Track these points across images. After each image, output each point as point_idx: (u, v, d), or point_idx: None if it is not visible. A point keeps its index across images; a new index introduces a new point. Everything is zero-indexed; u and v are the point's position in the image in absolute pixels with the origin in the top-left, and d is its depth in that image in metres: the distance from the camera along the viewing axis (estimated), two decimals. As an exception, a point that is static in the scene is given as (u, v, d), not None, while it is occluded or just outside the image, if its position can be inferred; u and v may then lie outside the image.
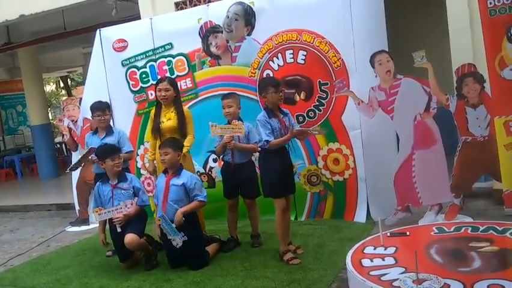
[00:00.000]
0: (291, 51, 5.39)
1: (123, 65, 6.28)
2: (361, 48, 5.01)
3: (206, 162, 5.96)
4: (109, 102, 5.94)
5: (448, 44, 5.31)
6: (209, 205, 4.73)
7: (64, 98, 18.35)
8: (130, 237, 4.39)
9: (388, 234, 4.06)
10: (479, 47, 4.87)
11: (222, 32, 5.75)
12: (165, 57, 6.06)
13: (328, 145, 5.36)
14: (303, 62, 5.36)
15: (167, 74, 5.98)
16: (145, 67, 6.18)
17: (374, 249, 3.79)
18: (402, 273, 3.22)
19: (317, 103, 5.31)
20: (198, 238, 4.45)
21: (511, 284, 2.89)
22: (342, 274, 3.76)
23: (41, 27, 10.03)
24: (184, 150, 4.63)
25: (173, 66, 6.02)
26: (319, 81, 5.29)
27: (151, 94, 6.17)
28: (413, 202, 4.85)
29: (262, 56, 5.55)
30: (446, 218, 4.69)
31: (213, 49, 5.83)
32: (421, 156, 4.75)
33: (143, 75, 6.21)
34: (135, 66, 6.24)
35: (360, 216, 5.22)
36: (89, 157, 4.99)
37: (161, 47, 6.07)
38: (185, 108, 5.04)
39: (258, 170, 4.75)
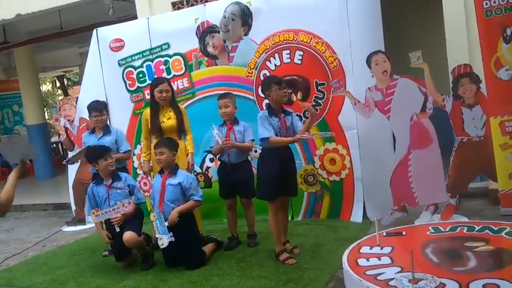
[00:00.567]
0: (288, 51, 5.40)
1: (120, 65, 6.28)
2: (358, 49, 5.02)
3: (203, 162, 5.96)
4: (105, 101, 5.93)
5: (444, 45, 5.33)
6: (206, 205, 4.73)
7: (60, 97, 18.33)
8: (129, 235, 4.39)
9: (384, 233, 4.07)
10: (475, 48, 4.89)
11: (219, 32, 5.76)
12: (162, 57, 6.06)
13: (324, 145, 5.37)
14: (299, 62, 5.37)
15: (164, 74, 5.99)
16: (142, 67, 6.18)
17: (370, 248, 3.80)
18: (398, 272, 3.23)
19: (314, 103, 5.31)
20: (194, 238, 4.46)
21: (507, 283, 2.91)
22: (339, 274, 3.77)
23: (37, 26, 10.00)
24: (189, 158, 4.80)
25: (170, 66, 6.02)
26: (316, 81, 5.30)
27: (148, 94, 6.15)
28: (409, 202, 4.86)
29: (259, 56, 5.56)
30: (442, 217, 4.71)
31: (209, 49, 5.84)
32: (417, 157, 4.76)
33: (140, 75, 6.20)
34: (132, 66, 6.23)
35: (356, 216, 5.23)
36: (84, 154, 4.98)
37: (158, 46, 6.07)
38: (180, 106, 5.08)
39: (254, 170, 4.75)
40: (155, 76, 5.97)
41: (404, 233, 4.11)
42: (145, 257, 4.59)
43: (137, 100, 6.27)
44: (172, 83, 5.15)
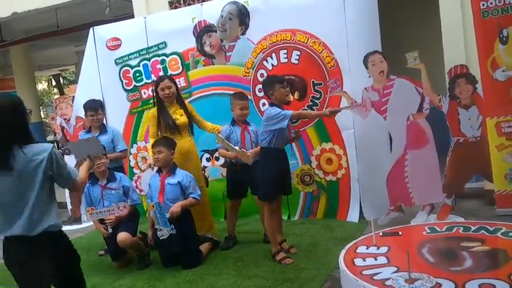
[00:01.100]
0: (285, 51, 5.40)
1: (116, 64, 6.27)
2: (355, 49, 5.03)
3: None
4: (102, 100, 5.91)
5: (441, 45, 5.34)
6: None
7: (56, 96, 18.24)
8: (122, 236, 4.39)
9: (380, 233, 4.08)
10: (471, 48, 4.90)
11: (216, 32, 5.75)
12: (159, 56, 6.05)
13: (321, 145, 5.38)
14: (297, 62, 5.37)
15: (161, 73, 5.98)
16: (139, 66, 6.17)
17: (367, 248, 3.81)
18: (394, 272, 3.25)
19: (311, 103, 5.32)
20: (193, 237, 4.46)
21: (502, 283, 2.92)
22: (335, 273, 3.78)
23: (33, 25, 9.97)
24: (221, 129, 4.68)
25: (167, 65, 6.01)
26: (313, 81, 5.31)
27: (144, 93, 6.16)
28: (406, 202, 4.87)
29: (256, 56, 5.55)
30: (438, 218, 4.72)
31: (207, 48, 5.83)
32: (414, 157, 4.77)
33: (137, 74, 6.19)
34: (128, 65, 6.22)
35: (353, 216, 5.23)
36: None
37: (155, 45, 6.06)
38: (186, 102, 5.06)
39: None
40: (152, 75, 5.97)
41: (400, 233, 4.12)
42: (140, 257, 4.59)
43: (133, 99, 6.25)
44: (175, 79, 5.11)
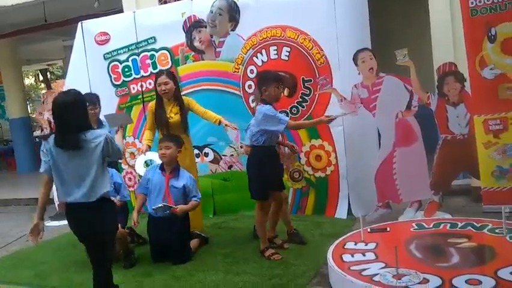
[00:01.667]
0: (275, 47, 5.40)
1: (105, 59, 6.22)
2: (344, 46, 5.04)
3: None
4: (97, 94, 5.84)
5: (430, 43, 5.37)
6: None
7: (43, 91, 18.06)
8: None
9: (369, 230, 4.11)
10: (460, 46, 4.93)
11: (206, 27, 5.73)
12: (148, 51, 6.01)
13: (310, 141, 5.39)
14: (287, 58, 5.37)
15: (150, 68, 5.95)
16: (128, 61, 6.12)
17: (355, 244, 3.84)
18: (382, 268, 3.27)
19: (300, 99, 5.33)
20: (184, 232, 4.45)
21: (488, 279, 2.96)
22: (323, 269, 3.79)
23: (21, 18, 9.85)
24: (224, 120, 4.59)
25: (156, 60, 5.98)
26: (302, 78, 5.31)
27: (133, 88, 6.13)
28: (394, 199, 4.90)
29: (246, 52, 5.55)
30: (426, 214, 4.76)
31: (196, 44, 5.81)
32: (402, 154, 4.80)
33: (126, 69, 6.15)
34: (117, 60, 6.17)
35: (341, 212, 5.26)
36: None
37: (144, 40, 6.02)
38: (184, 97, 4.96)
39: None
40: (141, 71, 5.93)
41: (388, 229, 4.16)
42: (126, 254, 4.55)
43: (122, 94, 6.21)
44: (175, 75, 5.06)
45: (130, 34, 6.06)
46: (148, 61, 6.01)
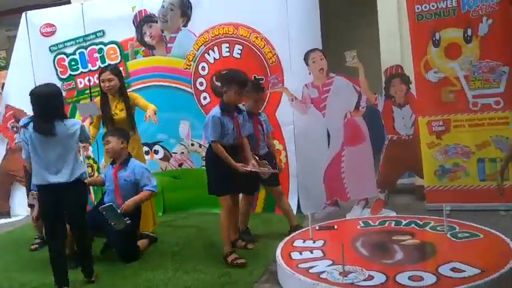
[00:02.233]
0: (227, 44, 5.38)
1: (51, 51, 6.00)
2: (296, 45, 5.08)
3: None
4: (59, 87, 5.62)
5: (379, 45, 5.50)
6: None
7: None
8: None
9: (317, 227, 4.17)
10: (407, 50, 5.08)
11: (156, 22, 5.63)
12: (96, 44, 5.85)
13: (261, 140, 5.40)
14: (239, 56, 5.36)
15: (98, 62, 5.80)
16: (75, 54, 5.94)
17: (303, 242, 3.88)
18: (329, 265, 3.33)
19: (252, 98, 5.33)
20: (133, 230, 4.31)
21: (430, 275, 3.06)
22: (272, 267, 3.81)
23: (-40, 6, 9.35)
24: (150, 111, 4.46)
25: (104, 54, 5.83)
26: (254, 77, 5.31)
27: (80, 82, 5.95)
28: (341, 197, 5.00)
29: (198, 49, 5.50)
30: (372, 212, 4.88)
31: (147, 39, 5.71)
32: (350, 153, 4.91)
33: (73, 63, 5.96)
34: (64, 53, 5.97)
35: (290, 210, 5.30)
36: None
37: (92, 33, 5.85)
38: (130, 93, 4.83)
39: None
40: (89, 64, 5.76)
41: (335, 227, 4.23)
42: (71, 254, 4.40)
43: (69, 88, 6.01)
44: (121, 71, 4.92)
45: (77, 27, 5.87)
46: (96, 55, 5.85)
